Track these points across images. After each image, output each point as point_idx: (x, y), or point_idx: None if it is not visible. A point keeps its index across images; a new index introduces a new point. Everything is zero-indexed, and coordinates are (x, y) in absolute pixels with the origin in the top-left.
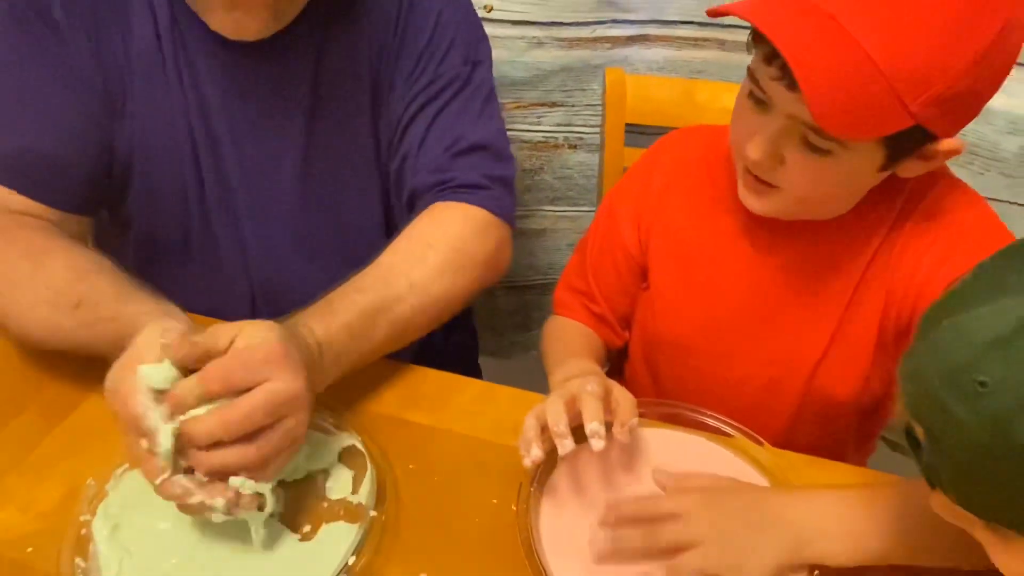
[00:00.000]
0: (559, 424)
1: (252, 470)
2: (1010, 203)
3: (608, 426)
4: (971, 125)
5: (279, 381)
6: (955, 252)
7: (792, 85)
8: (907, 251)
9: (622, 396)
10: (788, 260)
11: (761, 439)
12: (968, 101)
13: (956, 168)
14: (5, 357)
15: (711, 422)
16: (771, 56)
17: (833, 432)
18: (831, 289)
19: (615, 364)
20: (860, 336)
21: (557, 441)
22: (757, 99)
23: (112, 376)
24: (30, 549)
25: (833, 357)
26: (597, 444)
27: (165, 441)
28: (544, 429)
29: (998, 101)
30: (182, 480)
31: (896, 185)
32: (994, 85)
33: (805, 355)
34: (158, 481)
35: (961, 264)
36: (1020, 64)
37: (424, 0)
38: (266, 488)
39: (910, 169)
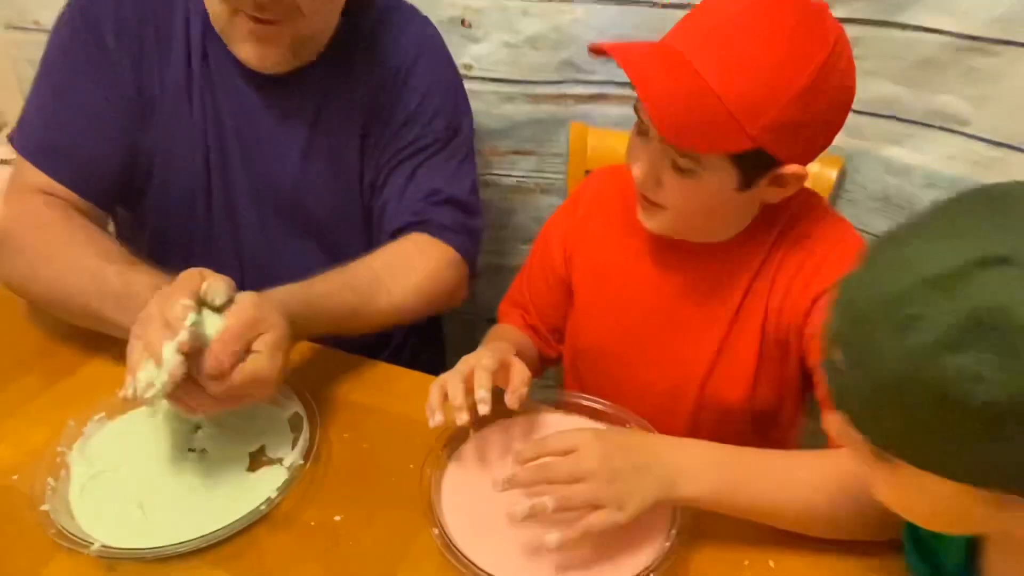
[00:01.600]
0: (456, 398)
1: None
2: None
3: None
4: (891, 180)
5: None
6: (817, 273)
7: None
8: (780, 272)
9: (517, 368)
10: (685, 278)
11: (652, 428)
12: (805, 132)
13: (879, 217)
14: (17, 326)
15: (611, 412)
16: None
17: (730, 436)
18: (719, 304)
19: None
20: (744, 346)
21: (455, 414)
22: (640, 130)
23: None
24: (15, 476)
25: (722, 365)
26: (483, 409)
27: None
28: (446, 398)
29: (914, 158)
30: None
31: (774, 215)
32: (829, 121)
33: (698, 363)
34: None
35: (820, 283)
36: (929, 125)
37: (418, 75)
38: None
39: (769, 194)
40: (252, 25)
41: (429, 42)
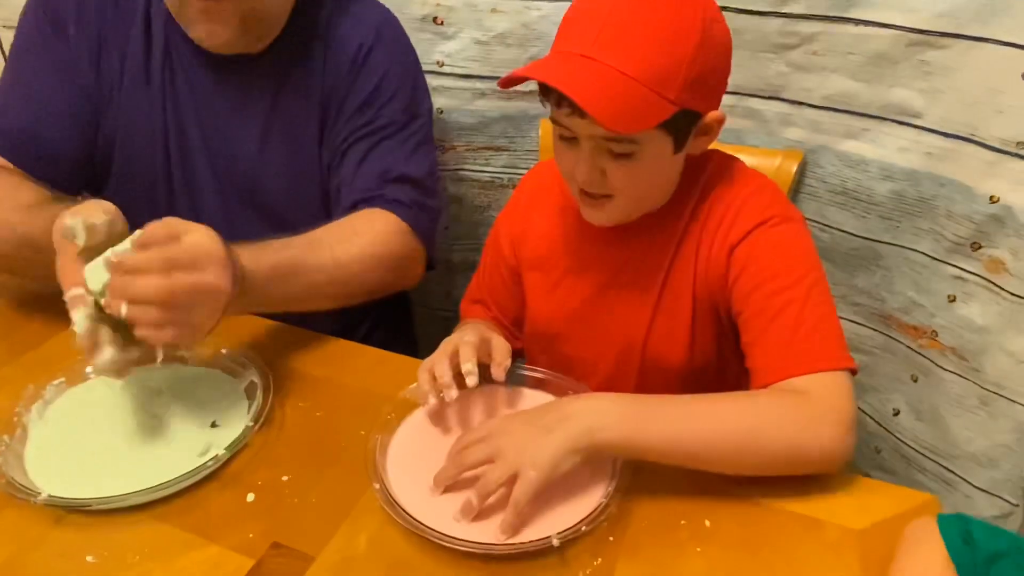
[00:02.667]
0: (445, 376)
1: (158, 303)
2: (891, 244)
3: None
4: (849, 172)
5: (211, 275)
6: (732, 226)
7: (582, 114)
8: (704, 234)
9: (498, 343)
10: (620, 251)
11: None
12: (709, 80)
13: (839, 210)
14: None
15: (553, 379)
16: (559, 100)
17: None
18: (652, 271)
19: None
20: (677, 308)
21: (444, 391)
22: (565, 138)
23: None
24: None
25: (658, 328)
26: (471, 381)
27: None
28: (435, 379)
29: (869, 151)
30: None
31: (693, 180)
32: (724, 66)
33: (636, 329)
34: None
35: (735, 234)
36: (885, 119)
37: (375, 59)
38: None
39: (697, 145)
40: (201, 3)
41: (386, 27)
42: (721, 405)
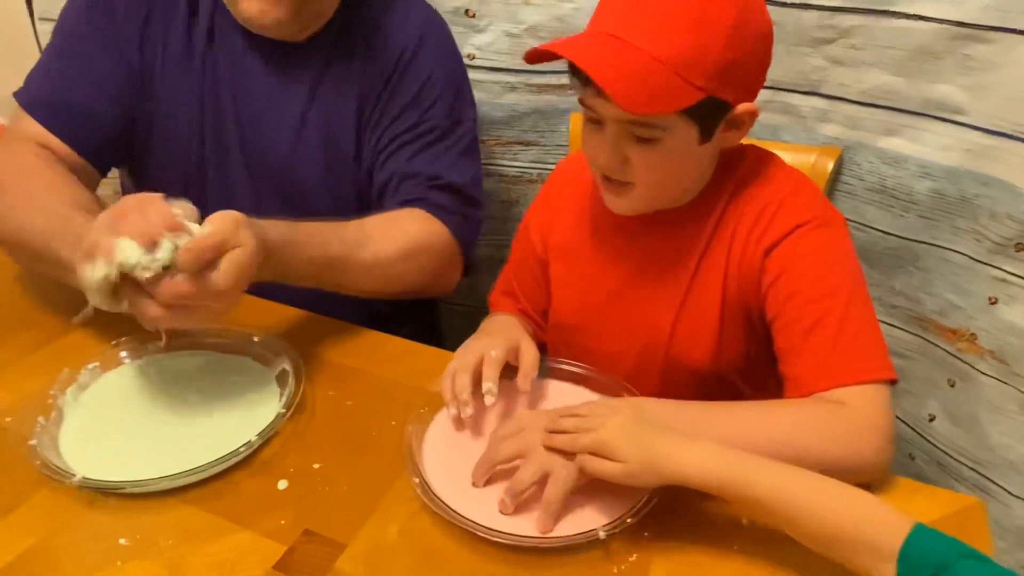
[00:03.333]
0: (463, 392)
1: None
2: (929, 244)
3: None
4: (887, 170)
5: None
6: (769, 227)
7: (606, 94)
8: (737, 231)
9: (527, 353)
10: (647, 246)
11: (633, 388)
12: (743, 69)
13: (876, 209)
14: (19, 285)
15: (593, 375)
16: (587, 79)
17: (702, 398)
18: (679, 268)
19: None
20: (704, 307)
21: (460, 408)
22: (592, 120)
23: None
24: (9, 419)
25: (683, 327)
26: (488, 399)
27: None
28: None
29: (909, 148)
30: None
31: (727, 175)
32: (760, 56)
33: (661, 327)
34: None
35: (771, 235)
36: (926, 115)
37: (419, 62)
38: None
39: (728, 138)
40: None
41: (434, 31)
42: (760, 414)
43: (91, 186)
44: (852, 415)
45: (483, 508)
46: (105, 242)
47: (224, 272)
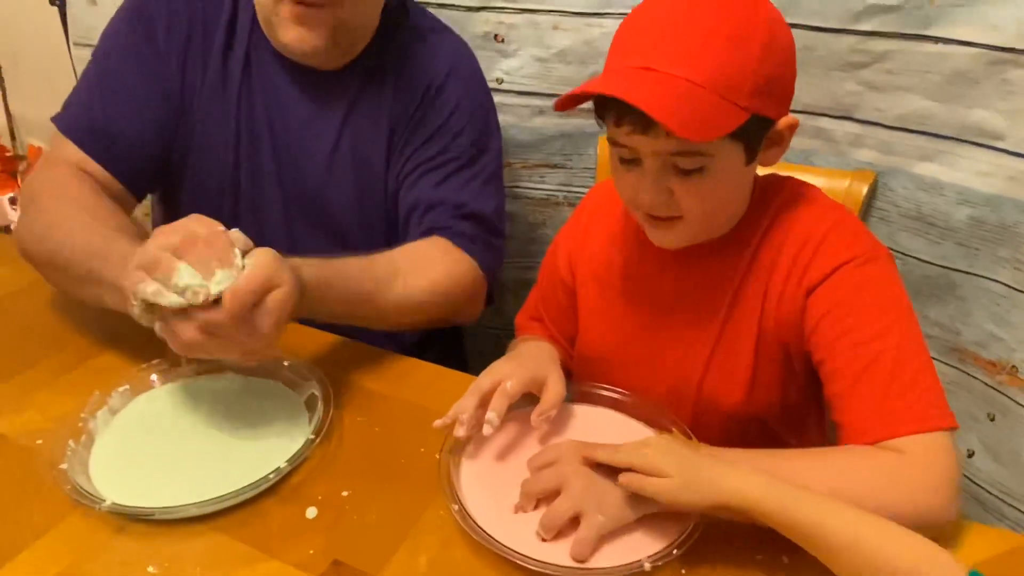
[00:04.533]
0: (462, 413)
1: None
2: (967, 272)
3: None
4: (923, 196)
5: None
6: (810, 266)
7: (645, 129)
8: (776, 268)
9: (551, 388)
10: (679, 280)
11: (691, 435)
12: (779, 83)
13: (912, 236)
14: (53, 307)
15: (629, 400)
16: (619, 118)
17: (736, 441)
18: (713, 305)
19: None
20: (738, 347)
21: (456, 427)
22: (626, 160)
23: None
24: (39, 440)
25: (716, 365)
26: (487, 429)
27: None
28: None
29: (946, 174)
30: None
31: (764, 203)
32: (791, 68)
33: (692, 364)
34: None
35: (813, 275)
36: (963, 140)
37: (447, 92)
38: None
39: (769, 157)
40: (296, 8)
41: (463, 62)
42: (811, 462)
43: (128, 211)
44: (910, 465)
45: (522, 536)
46: (167, 262)
47: (267, 313)
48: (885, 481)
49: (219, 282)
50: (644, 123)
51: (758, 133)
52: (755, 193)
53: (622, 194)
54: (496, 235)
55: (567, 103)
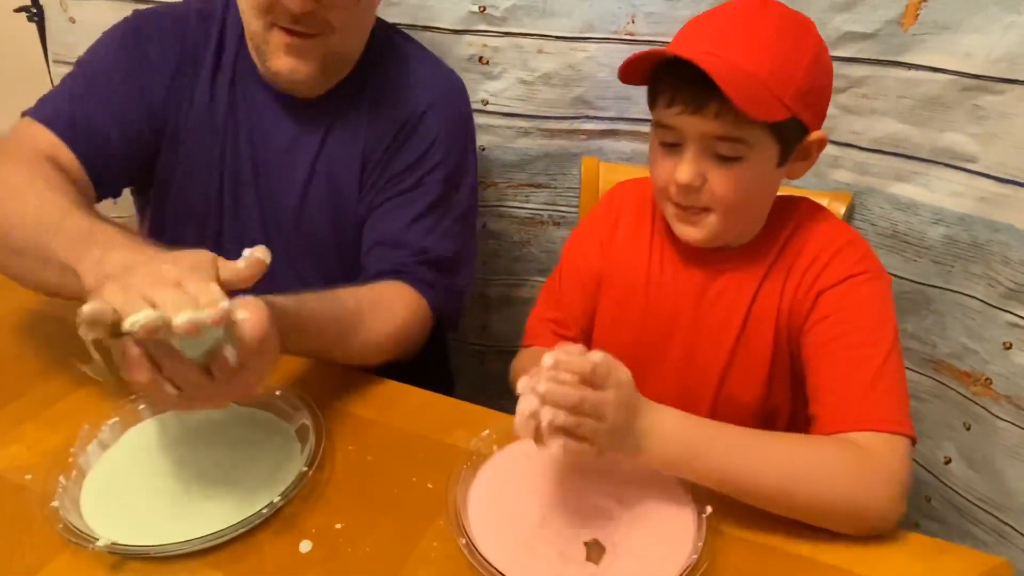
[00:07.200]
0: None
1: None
2: (943, 288)
3: None
4: (899, 216)
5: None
6: (823, 271)
7: (696, 109)
8: (792, 273)
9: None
10: (701, 283)
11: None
12: (818, 97)
13: (888, 253)
14: (39, 336)
15: None
16: (672, 99)
17: None
18: (733, 307)
19: None
20: (758, 347)
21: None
22: (668, 144)
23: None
24: (29, 476)
25: (736, 367)
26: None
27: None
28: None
29: (920, 194)
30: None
31: (784, 219)
32: (829, 87)
33: (713, 366)
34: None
35: (825, 279)
36: (936, 162)
37: (427, 124)
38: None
39: (796, 170)
40: (287, 38)
41: (445, 96)
42: (778, 444)
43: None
44: (871, 460)
45: (532, 572)
46: (165, 291)
47: (253, 372)
48: (846, 470)
49: (211, 338)
50: (697, 103)
51: (794, 136)
52: (775, 209)
53: (657, 180)
54: (458, 275)
55: (631, 64)
